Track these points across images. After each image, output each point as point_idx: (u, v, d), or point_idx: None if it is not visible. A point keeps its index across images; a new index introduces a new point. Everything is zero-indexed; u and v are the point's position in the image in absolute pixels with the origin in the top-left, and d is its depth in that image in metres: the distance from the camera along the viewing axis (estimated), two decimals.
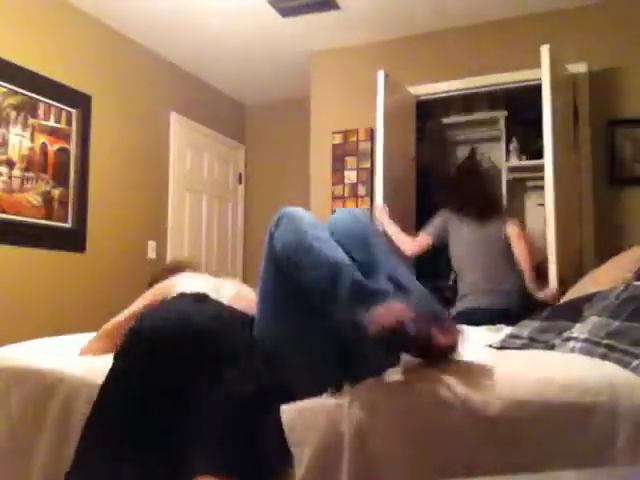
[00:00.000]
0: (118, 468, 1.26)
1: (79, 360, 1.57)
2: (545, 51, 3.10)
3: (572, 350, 1.31)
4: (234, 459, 1.19)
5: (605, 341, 1.20)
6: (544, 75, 3.09)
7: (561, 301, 2.25)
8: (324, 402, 1.23)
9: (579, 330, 1.32)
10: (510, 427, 1.12)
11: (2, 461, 1.49)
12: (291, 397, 1.26)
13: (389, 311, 1.13)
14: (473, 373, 1.23)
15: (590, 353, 1.25)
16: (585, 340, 1.26)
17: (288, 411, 1.22)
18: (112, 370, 1.36)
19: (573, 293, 2.33)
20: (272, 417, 1.23)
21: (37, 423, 1.45)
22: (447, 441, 1.14)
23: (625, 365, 1.13)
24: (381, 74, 3.53)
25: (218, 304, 1.51)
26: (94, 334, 1.70)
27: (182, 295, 1.53)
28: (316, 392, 1.26)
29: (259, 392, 1.26)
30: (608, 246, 3.32)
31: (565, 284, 2.78)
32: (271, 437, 1.22)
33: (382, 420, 1.17)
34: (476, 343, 1.56)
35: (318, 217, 1.38)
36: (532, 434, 1.11)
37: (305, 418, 1.21)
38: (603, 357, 1.20)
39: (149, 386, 1.30)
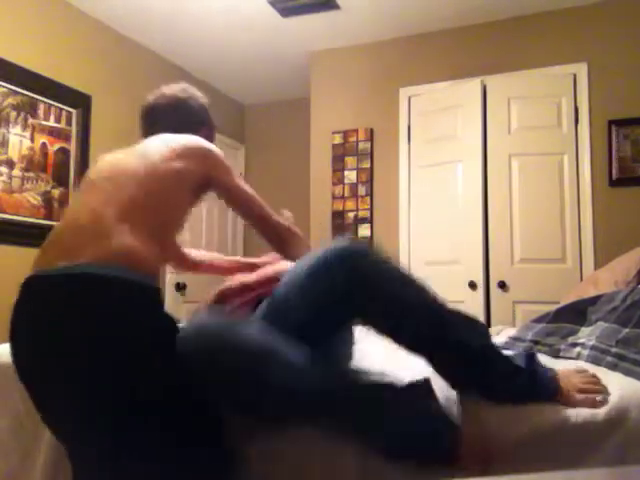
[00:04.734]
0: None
1: None
2: None
3: (578, 356, 1.29)
4: None
5: (614, 349, 1.18)
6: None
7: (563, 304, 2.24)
8: None
9: (586, 336, 1.31)
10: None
11: (7, 455, 1.48)
12: None
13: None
14: None
15: (598, 361, 1.24)
16: (593, 347, 1.25)
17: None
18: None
19: (574, 294, 2.32)
20: None
21: None
22: None
23: (638, 377, 1.10)
24: None
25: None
26: None
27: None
28: None
29: None
30: (608, 246, 3.32)
31: None
32: None
33: None
34: None
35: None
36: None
37: None
38: (613, 366, 1.18)
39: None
